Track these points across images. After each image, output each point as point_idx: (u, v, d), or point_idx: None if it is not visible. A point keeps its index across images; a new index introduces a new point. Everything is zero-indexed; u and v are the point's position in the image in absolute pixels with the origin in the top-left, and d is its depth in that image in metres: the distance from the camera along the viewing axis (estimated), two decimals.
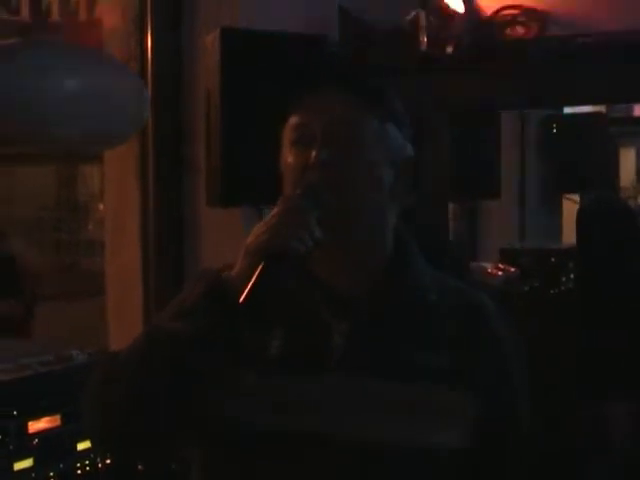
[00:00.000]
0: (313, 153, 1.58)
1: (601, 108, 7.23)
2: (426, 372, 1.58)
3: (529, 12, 4.30)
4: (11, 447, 2.53)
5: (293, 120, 1.65)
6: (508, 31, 4.34)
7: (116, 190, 4.23)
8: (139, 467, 2.80)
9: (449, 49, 4.22)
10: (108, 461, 2.80)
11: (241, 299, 1.44)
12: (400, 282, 1.64)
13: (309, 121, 1.62)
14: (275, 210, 1.53)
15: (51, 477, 2.65)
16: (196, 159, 4.05)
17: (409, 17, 4.28)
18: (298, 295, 1.60)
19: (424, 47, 4.28)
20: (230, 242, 4.36)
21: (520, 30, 4.32)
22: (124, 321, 4.20)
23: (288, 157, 1.64)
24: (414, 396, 1.57)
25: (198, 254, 4.14)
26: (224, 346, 1.50)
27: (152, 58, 4.06)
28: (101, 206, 8.51)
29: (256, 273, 1.44)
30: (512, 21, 4.32)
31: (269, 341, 1.58)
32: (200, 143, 3.88)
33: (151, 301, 4.13)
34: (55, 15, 4.12)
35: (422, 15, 4.23)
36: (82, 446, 2.74)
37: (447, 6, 4.36)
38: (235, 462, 1.60)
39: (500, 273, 5.06)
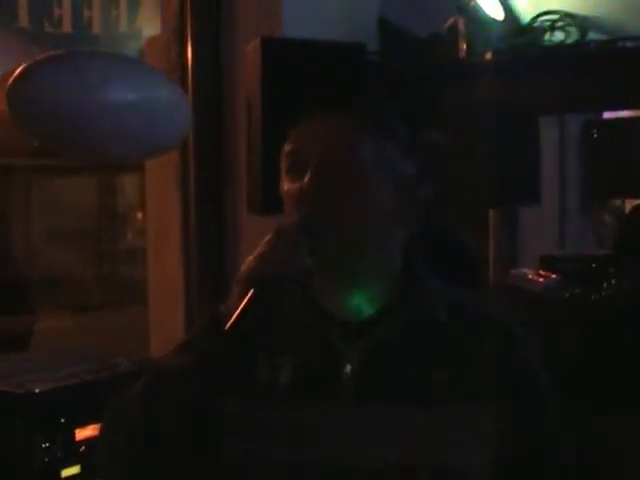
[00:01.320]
0: (307, 179, 1.54)
1: None
2: (440, 392, 1.53)
3: (568, 17, 4.29)
4: (59, 454, 2.55)
5: (287, 147, 1.61)
6: (547, 36, 4.33)
7: (158, 199, 4.26)
8: None
9: (488, 55, 4.21)
10: None
11: (227, 326, 1.43)
12: (407, 305, 1.59)
13: (303, 146, 1.58)
14: (268, 238, 1.51)
15: None
16: (237, 168, 4.07)
17: (447, 24, 4.28)
18: (305, 324, 1.58)
19: (463, 54, 4.28)
20: None
21: (559, 35, 4.30)
22: (166, 329, 4.23)
23: (285, 184, 1.60)
24: (430, 419, 1.52)
25: (239, 262, 4.15)
26: (222, 374, 1.51)
27: (192, 68, 4.10)
28: (140, 215, 8.60)
29: (244, 300, 1.43)
30: (551, 26, 4.31)
31: (279, 372, 1.56)
32: (241, 151, 3.90)
33: (193, 309, 4.16)
34: (96, 27, 4.16)
35: (461, 22, 4.23)
36: None
37: (486, 12, 4.37)
38: None
39: (541, 280, 5.03)
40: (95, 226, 8.47)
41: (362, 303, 1.59)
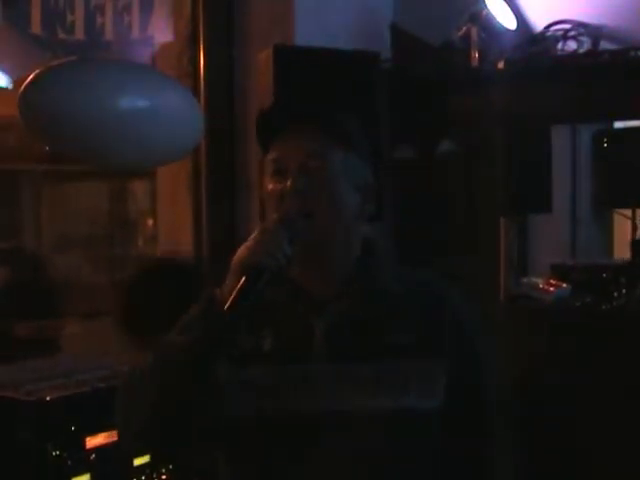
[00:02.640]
0: (288, 183, 1.85)
1: None
2: (392, 350, 1.87)
3: (581, 27, 4.29)
4: (69, 462, 2.55)
5: (272, 155, 1.90)
6: (560, 46, 4.33)
7: (169, 206, 4.27)
8: None
9: (500, 64, 4.21)
10: (164, 477, 2.82)
11: (225, 307, 1.71)
12: (361, 282, 1.93)
13: (284, 156, 1.88)
14: (254, 233, 1.79)
15: None
16: (248, 174, 4.08)
17: (460, 33, 4.28)
18: (284, 302, 1.91)
19: (475, 62, 4.29)
20: None
21: (572, 45, 4.30)
22: None
23: (268, 186, 1.89)
24: (384, 370, 1.86)
25: None
26: (220, 348, 1.78)
27: (204, 75, 4.10)
28: (150, 222, 8.60)
29: (238, 285, 1.70)
30: (564, 36, 4.32)
31: (262, 340, 1.88)
32: (252, 158, 3.91)
33: None
34: (109, 33, 4.17)
35: (474, 30, 4.23)
36: (138, 462, 2.76)
37: (498, 21, 4.37)
38: (244, 447, 1.89)
39: (552, 289, 5.01)
40: (106, 232, 8.46)
41: (330, 283, 1.93)
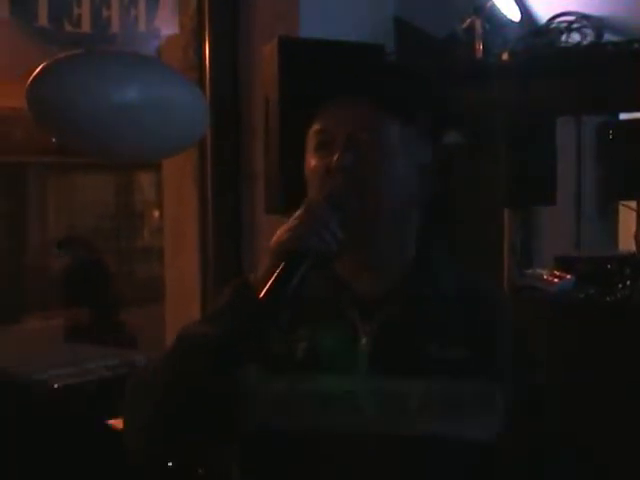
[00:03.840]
0: (335, 158, 1.63)
1: None
2: (447, 365, 1.62)
3: (585, 19, 4.29)
4: None
5: (316, 126, 1.71)
6: (564, 38, 4.33)
7: (175, 197, 4.30)
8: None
9: (504, 56, 4.22)
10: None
11: (260, 295, 1.48)
12: (418, 284, 1.69)
13: (331, 127, 1.67)
14: (297, 212, 1.58)
15: None
16: (254, 166, 4.10)
17: (464, 25, 4.29)
18: (325, 298, 1.67)
19: (479, 55, 4.30)
20: None
21: (575, 37, 4.31)
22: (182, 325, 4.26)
23: (311, 162, 1.70)
24: (436, 390, 1.61)
25: (256, 260, 4.18)
26: (251, 345, 1.55)
27: (210, 67, 4.12)
28: (156, 213, 8.63)
29: (277, 271, 1.49)
30: (567, 28, 4.32)
31: (296, 344, 1.63)
32: (257, 150, 3.93)
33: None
34: (115, 26, 4.20)
35: (477, 22, 4.24)
36: None
37: (502, 13, 4.38)
38: (268, 464, 1.66)
39: (556, 280, 5.03)
40: (112, 224, 8.50)
41: (379, 279, 1.69)
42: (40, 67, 3.05)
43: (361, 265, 1.69)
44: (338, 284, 1.68)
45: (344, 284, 1.68)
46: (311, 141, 1.71)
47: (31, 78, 3.04)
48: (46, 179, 8.11)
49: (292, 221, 1.55)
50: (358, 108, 1.67)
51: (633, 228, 6.36)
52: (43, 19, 3.94)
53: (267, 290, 1.48)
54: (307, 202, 1.60)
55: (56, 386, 2.51)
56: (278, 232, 1.56)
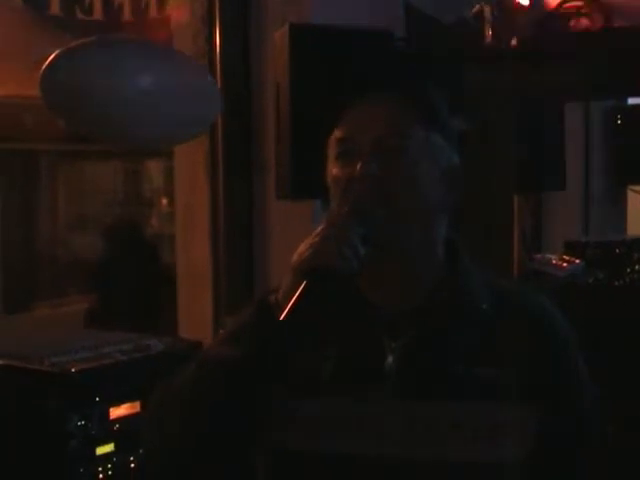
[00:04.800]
0: (359, 166, 1.55)
1: None
2: (478, 387, 1.53)
3: (593, 4, 4.31)
4: (94, 432, 2.61)
5: (338, 133, 1.61)
6: (573, 23, 4.35)
7: (186, 185, 4.31)
8: None
9: (514, 42, 4.23)
10: None
11: (282, 316, 1.42)
12: (449, 297, 1.60)
13: (355, 133, 1.59)
14: (320, 227, 1.50)
15: (131, 461, 2.73)
16: (265, 153, 4.11)
17: (474, 10, 4.31)
18: (348, 314, 1.59)
19: (489, 40, 4.31)
20: (299, 237, 4.42)
21: (585, 22, 4.33)
22: (194, 313, 4.29)
23: (333, 169, 1.61)
24: (468, 413, 1.53)
25: (267, 248, 4.21)
26: (273, 366, 1.49)
27: (220, 55, 4.13)
28: (164, 201, 8.65)
29: (298, 291, 1.42)
30: (576, 13, 4.34)
31: (321, 363, 1.57)
32: (269, 137, 3.94)
33: (221, 294, 4.21)
34: (127, 14, 4.22)
35: (487, 8, 4.25)
36: None
37: None
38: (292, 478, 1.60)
39: (565, 265, 5.05)
40: (122, 211, 8.52)
41: (406, 293, 1.61)
42: (54, 54, 3.07)
43: (386, 279, 1.60)
44: (363, 299, 1.61)
45: (369, 299, 1.61)
46: (333, 149, 1.62)
47: (45, 65, 3.06)
48: (57, 167, 8.13)
49: (314, 237, 1.48)
50: (385, 111, 1.59)
51: None
52: (55, 7, 3.96)
53: (289, 310, 1.42)
54: (330, 216, 1.54)
55: (74, 370, 2.53)
56: (299, 248, 1.48)
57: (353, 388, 1.55)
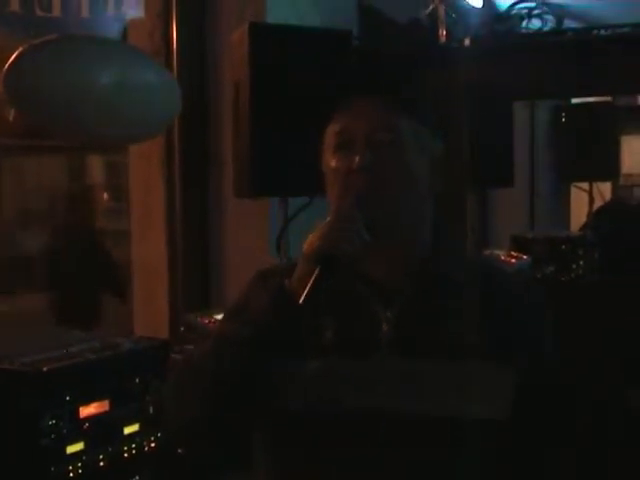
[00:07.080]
0: (356, 159, 1.72)
1: (607, 97, 7.29)
2: (461, 350, 1.70)
3: (545, 5, 4.38)
4: (64, 431, 2.61)
5: (335, 127, 1.79)
6: (524, 24, 4.42)
7: (142, 181, 4.30)
8: (179, 451, 2.89)
9: (467, 42, 4.29)
10: (153, 444, 2.90)
11: (301, 300, 1.59)
12: (432, 271, 1.78)
13: (351, 128, 1.75)
14: (328, 219, 1.68)
15: (101, 460, 2.73)
16: (221, 151, 4.12)
17: (428, 10, 4.36)
18: (349, 290, 1.76)
19: (443, 40, 4.36)
20: (254, 233, 4.45)
21: (536, 23, 4.40)
22: (150, 309, 4.28)
23: (331, 161, 1.78)
24: (452, 372, 1.70)
25: (223, 244, 4.22)
26: (289, 343, 1.65)
27: (177, 52, 4.13)
28: (105, 195, 8.60)
29: (313, 276, 1.59)
30: (528, 14, 4.41)
31: (323, 331, 1.74)
32: (225, 135, 3.95)
33: (177, 290, 4.22)
34: (85, 10, 4.19)
35: (441, 8, 4.31)
36: (129, 430, 2.83)
37: (465, 0, 4.45)
38: (296, 440, 1.76)
39: (513, 260, 5.12)
40: (63, 207, 8.44)
41: (398, 270, 1.78)
42: (16, 53, 3.05)
43: (382, 259, 1.78)
44: (361, 277, 1.77)
45: (367, 276, 1.77)
46: (330, 141, 1.79)
47: (8, 64, 3.04)
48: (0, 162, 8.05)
49: (323, 227, 1.65)
50: (375, 108, 1.76)
51: (585, 208, 6.52)
52: (15, 4, 3.93)
53: (306, 295, 1.58)
54: (336, 210, 1.71)
55: (45, 369, 2.53)
56: (309, 238, 1.65)
57: (352, 351, 1.73)
